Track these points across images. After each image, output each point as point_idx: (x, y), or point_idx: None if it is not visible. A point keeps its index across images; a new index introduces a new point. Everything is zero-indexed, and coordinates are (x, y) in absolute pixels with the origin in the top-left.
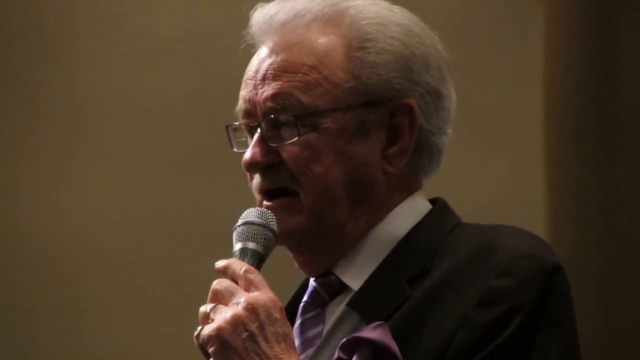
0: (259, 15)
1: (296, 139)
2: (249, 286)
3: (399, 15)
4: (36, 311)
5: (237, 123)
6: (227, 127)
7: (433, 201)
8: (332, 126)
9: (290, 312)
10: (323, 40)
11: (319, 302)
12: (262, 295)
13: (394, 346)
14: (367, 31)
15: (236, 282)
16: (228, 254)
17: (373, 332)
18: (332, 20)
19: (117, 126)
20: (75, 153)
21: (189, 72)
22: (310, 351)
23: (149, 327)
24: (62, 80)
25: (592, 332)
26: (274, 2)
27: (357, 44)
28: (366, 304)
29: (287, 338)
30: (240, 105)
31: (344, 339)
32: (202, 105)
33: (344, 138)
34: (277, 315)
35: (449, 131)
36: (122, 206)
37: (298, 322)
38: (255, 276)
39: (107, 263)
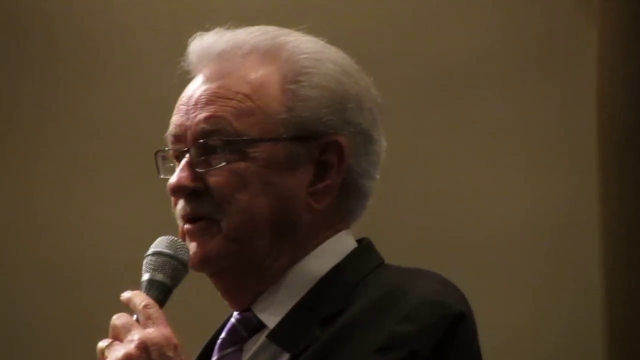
0: (197, 44)
1: (224, 164)
2: (146, 322)
3: (336, 54)
4: (55, 332)
5: (166, 149)
6: (156, 153)
7: (360, 241)
8: (261, 156)
9: (210, 348)
10: (259, 72)
11: (237, 338)
12: (156, 332)
13: None
14: (303, 65)
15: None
16: None
17: None
18: (269, 53)
19: (145, 146)
20: (100, 172)
21: None
22: None
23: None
24: (86, 99)
25: None
26: (213, 32)
27: (292, 77)
28: (279, 343)
29: None
30: (171, 130)
31: None
32: None
33: (271, 169)
34: (170, 354)
35: (377, 176)
36: (149, 227)
37: (214, 358)
38: (154, 311)
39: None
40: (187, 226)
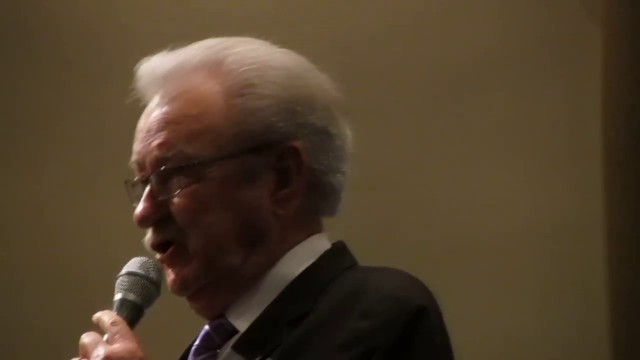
0: (143, 69)
1: (179, 191)
2: (112, 338)
3: (280, 58)
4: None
5: (134, 179)
6: (125, 182)
7: (335, 244)
8: (217, 175)
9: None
10: (204, 90)
11: (211, 345)
12: (121, 346)
13: None
14: (246, 77)
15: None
16: None
17: None
18: (212, 69)
19: None
20: (108, 174)
21: None
22: None
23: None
24: (93, 102)
25: None
26: (158, 54)
27: (236, 91)
28: (247, 347)
29: None
30: (132, 158)
31: None
32: None
33: (229, 186)
34: None
35: (344, 169)
36: None
37: None
38: (120, 328)
39: None
40: (159, 256)
